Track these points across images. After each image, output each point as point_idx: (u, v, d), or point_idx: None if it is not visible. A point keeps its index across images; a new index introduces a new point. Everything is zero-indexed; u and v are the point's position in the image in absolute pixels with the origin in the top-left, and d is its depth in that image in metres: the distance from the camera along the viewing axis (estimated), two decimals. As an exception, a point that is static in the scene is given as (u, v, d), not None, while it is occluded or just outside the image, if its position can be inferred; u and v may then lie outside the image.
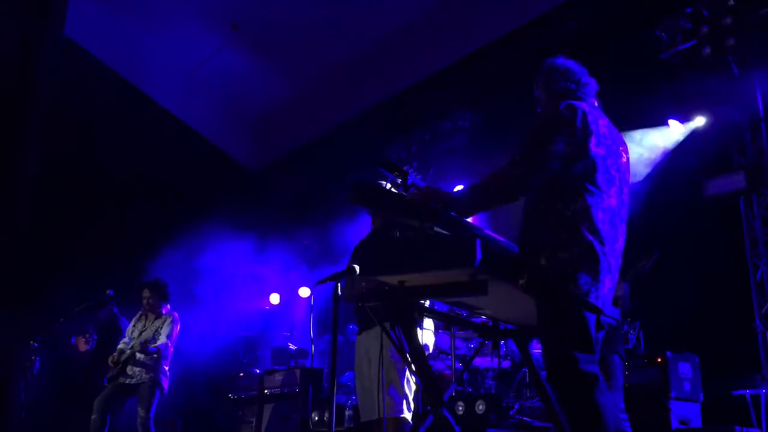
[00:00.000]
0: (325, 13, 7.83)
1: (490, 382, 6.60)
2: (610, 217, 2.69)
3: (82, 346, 7.19)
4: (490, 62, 7.68)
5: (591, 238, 2.59)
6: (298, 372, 6.99)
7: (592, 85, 3.00)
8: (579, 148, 2.69)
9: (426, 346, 4.36)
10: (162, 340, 5.97)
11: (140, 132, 8.23)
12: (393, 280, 2.83)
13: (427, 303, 3.87)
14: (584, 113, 2.76)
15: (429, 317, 4.04)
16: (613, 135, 2.87)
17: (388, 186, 3.89)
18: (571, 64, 3.02)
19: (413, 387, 3.99)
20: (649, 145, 7.05)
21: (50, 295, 7.04)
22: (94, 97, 7.51)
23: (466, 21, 7.67)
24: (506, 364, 6.66)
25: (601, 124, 2.82)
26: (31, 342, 6.77)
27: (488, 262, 2.58)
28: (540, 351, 2.70)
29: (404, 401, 3.89)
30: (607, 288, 2.62)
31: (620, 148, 2.89)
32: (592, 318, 2.58)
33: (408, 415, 3.90)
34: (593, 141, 2.72)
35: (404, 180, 3.25)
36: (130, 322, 6.37)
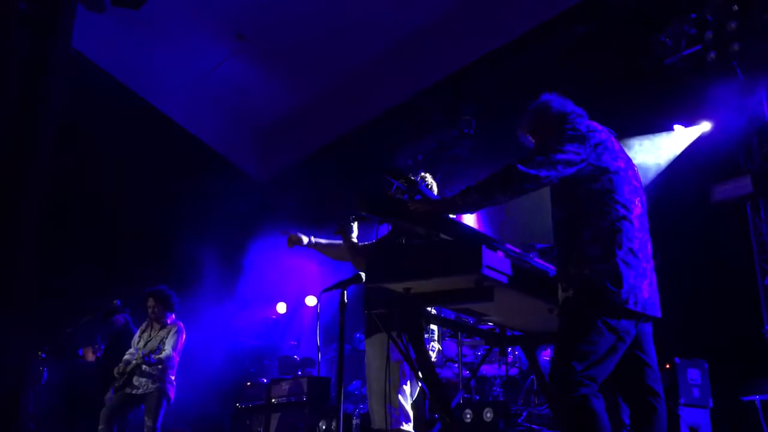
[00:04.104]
0: (331, 23, 7.86)
1: (498, 389, 6.57)
2: (639, 224, 2.82)
3: (90, 357, 7.20)
4: (495, 70, 7.70)
5: (625, 248, 2.70)
6: (305, 381, 6.98)
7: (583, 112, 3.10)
8: (596, 165, 2.79)
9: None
10: (167, 351, 5.96)
11: (147, 142, 8.26)
12: (398, 287, 2.83)
13: (434, 310, 3.87)
14: (593, 130, 2.86)
15: (435, 324, 4.03)
16: (621, 147, 2.98)
17: (395, 193, 3.90)
18: (561, 98, 3.11)
19: (409, 397, 3.94)
20: (655, 150, 7.04)
21: (57, 305, 7.06)
22: (102, 108, 7.55)
23: (471, 29, 7.70)
24: (514, 371, 6.64)
25: (612, 139, 2.93)
26: (39, 353, 6.78)
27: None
28: (547, 359, 2.73)
29: (401, 413, 3.83)
30: (646, 293, 2.73)
31: (632, 161, 3.01)
32: (610, 335, 2.65)
33: (408, 426, 3.85)
34: (609, 156, 2.83)
35: (411, 187, 3.24)
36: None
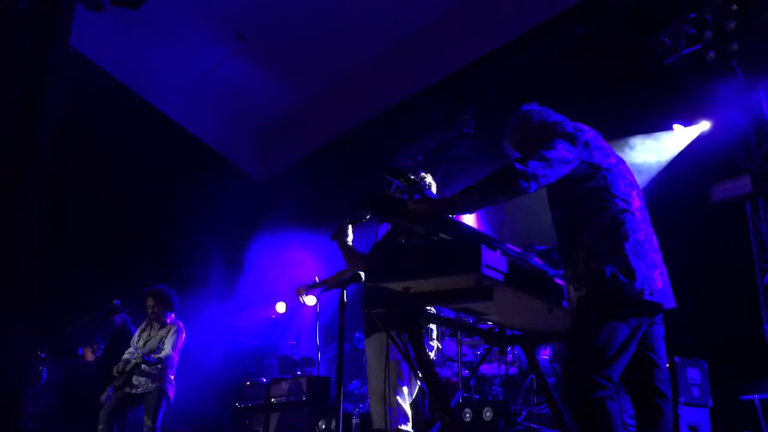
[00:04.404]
0: (331, 23, 7.86)
1: (498, 388, 6.58)
2: (641, 216, 2.83)
3: (89, 357, 7.20)
4: (495, 70, 7.70)
5: (632, 239, 2.71)
6: (304, 381, 6.98)
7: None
8: (589, 163, 2.80)
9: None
10: (167, 350, 5.96)
11: (147, 142, 8.26)
12: (398, 286, 2.83)
13: (433, 309, 3.87)
14: (580, 130, 2.89)
15: (435, 323, 4.03)
16: (609, 146, 3.00)
17: (395, 192, 3.91)
18: (541, 107, 3.14)
19: (407, 397, 3.93)
20: (654, 150, 7.04)
21: (57, 305, 7.05)
22: (101, 108, 7.55)
23: (471, 29, 7.69)
24: (513, 370, 6.64)
25: (599, 137, 2.95)
26: (39, 352, 6.78)
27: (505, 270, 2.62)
28: (546, 358, 2.72)
29: (399, 413, 3.82)
30: (660, 283, 2.72)
31: (621, 158, 3.03)
32: (624, 331, 2.63)
33: (407, 426, 3.84)
34: (600, 153, 2.85)
35: (410, 186, 3.25)
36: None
